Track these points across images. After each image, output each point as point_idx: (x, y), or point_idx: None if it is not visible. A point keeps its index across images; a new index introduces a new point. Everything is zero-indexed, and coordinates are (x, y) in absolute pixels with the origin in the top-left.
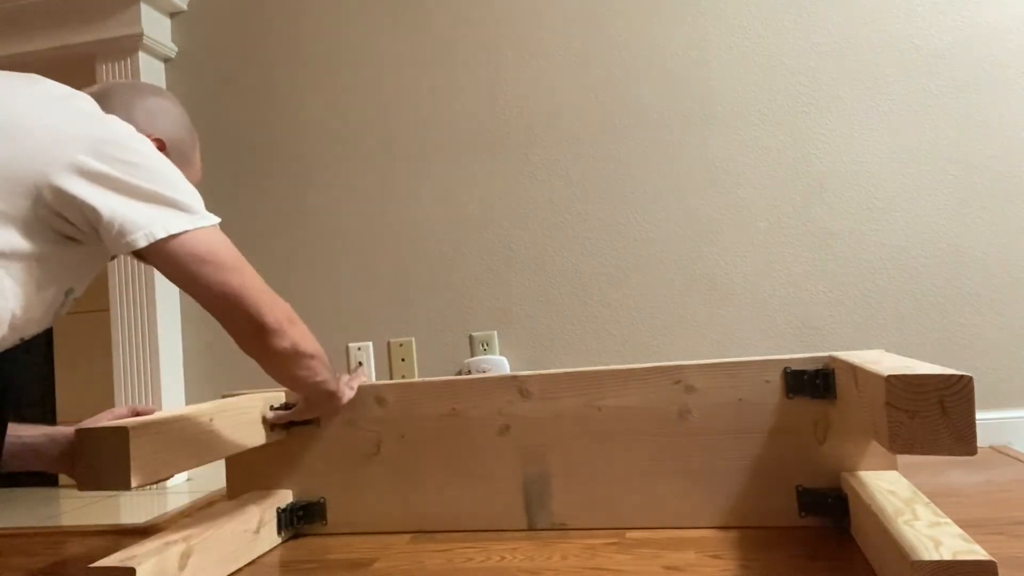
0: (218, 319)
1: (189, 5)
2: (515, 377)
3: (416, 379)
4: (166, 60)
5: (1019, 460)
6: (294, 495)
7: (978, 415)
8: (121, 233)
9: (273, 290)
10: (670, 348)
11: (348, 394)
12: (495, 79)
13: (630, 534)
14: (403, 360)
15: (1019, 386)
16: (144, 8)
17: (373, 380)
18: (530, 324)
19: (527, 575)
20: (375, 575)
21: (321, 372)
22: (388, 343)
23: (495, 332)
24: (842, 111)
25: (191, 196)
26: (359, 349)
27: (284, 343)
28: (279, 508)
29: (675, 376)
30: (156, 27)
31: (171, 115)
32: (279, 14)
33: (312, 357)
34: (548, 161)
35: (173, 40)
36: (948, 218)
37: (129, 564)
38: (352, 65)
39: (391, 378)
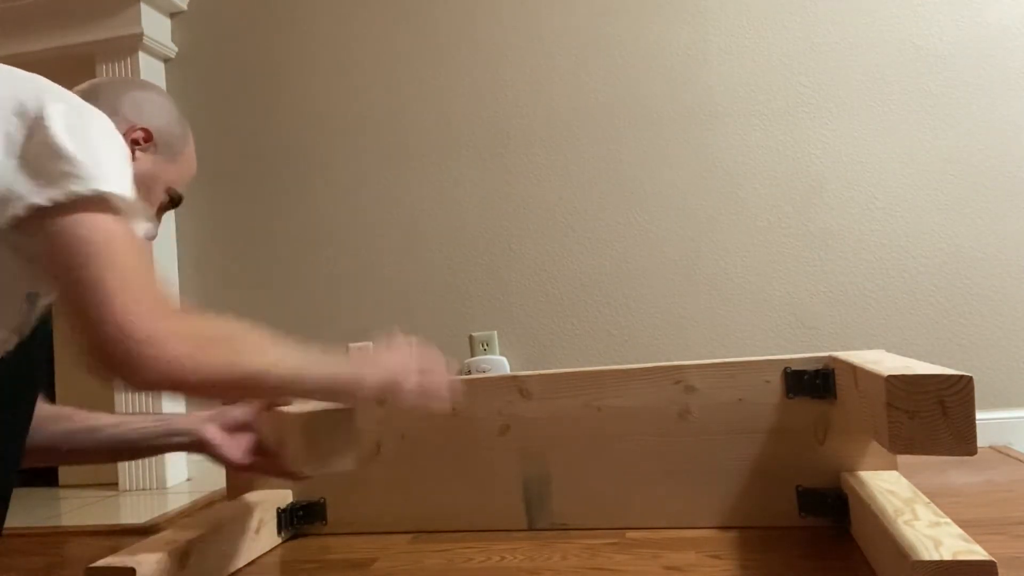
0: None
1: (189, 5)
2: (515, 377)
3: None
4: (166, 60)
5: (1019, 460)
6: (294, 495)
7: (978, 415)
8: (4, 200)
9: (274, 290)
10: (670, 348)
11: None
12: (495, 79)
13: (630, 534)
14: None
15: (1019, 386)
16: (144, 8)
17: None
18: (530, 324)
19: (527, 575)
20: (375, 575)
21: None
22: None
23: (495, 332)
24: (842, 111)
25: (109, 165)
26: (359, 349)
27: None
28: (279, 508)
29: (675, 376)
30: (156, 27)
31: (158, 105)
32: (279, 14)
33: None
34: (548, 161)
35: (173, 40)
36: (948, 218)
37: (129, 564)
38: (352, 65)
39: None
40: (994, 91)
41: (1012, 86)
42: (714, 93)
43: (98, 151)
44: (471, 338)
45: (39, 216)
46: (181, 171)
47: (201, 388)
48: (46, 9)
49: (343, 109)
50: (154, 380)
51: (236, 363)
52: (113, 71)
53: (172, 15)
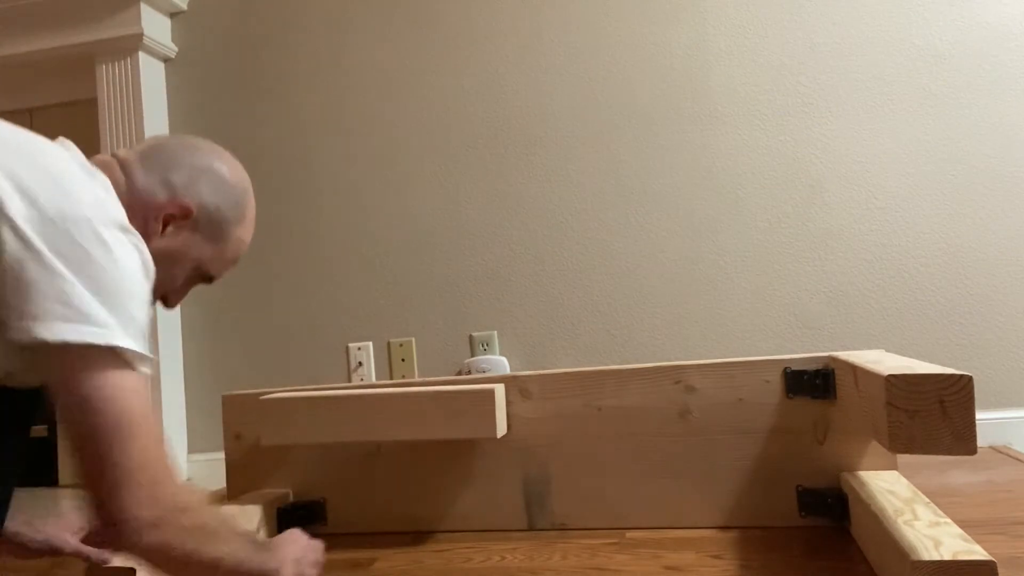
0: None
1: (189, 5)
2: (515, 377)
3: (416, 379)
4: (166, 60)
5: (1019, 460)
6: (294, 495)
7: (978, 415)
8: (22, 313)
9: (275, 290)
10: (670, 348)
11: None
12: (495, 79)
13: (630, 534)
14: (403, 360)
15: (1019, 386)
16: (144, 8)
17: (373, 380)
18: (530, 324)
19: (527, 575)
20: (375, 575)
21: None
22: (388, 343)
23: (495, 332)
24: (842, 111)
25: (127, 319)
26: (359, 349)
27: (148, 539)
28: (279, 508)
29: (675, 376)
30: (156, 27)
31: (217, 182)
32: (279, 14)
33: (186, 560)
34: (548, 161)
35: (173, 40)
36: (948, 218)
37: (129, 564)
38: (352, 65)
39: (391, 378)
40: (994, 91)
41: (1012, 86)
42: (714, 93)
43: (119, 294)
44: (471, 338)
45: (42, 347)
46: (221, 254)
47: (169, 566)
48: (46, 9)
49: (343, 109)
50: (141, 552)
51: (203, 553)
52: (113, 71)
53: (172, 15)
